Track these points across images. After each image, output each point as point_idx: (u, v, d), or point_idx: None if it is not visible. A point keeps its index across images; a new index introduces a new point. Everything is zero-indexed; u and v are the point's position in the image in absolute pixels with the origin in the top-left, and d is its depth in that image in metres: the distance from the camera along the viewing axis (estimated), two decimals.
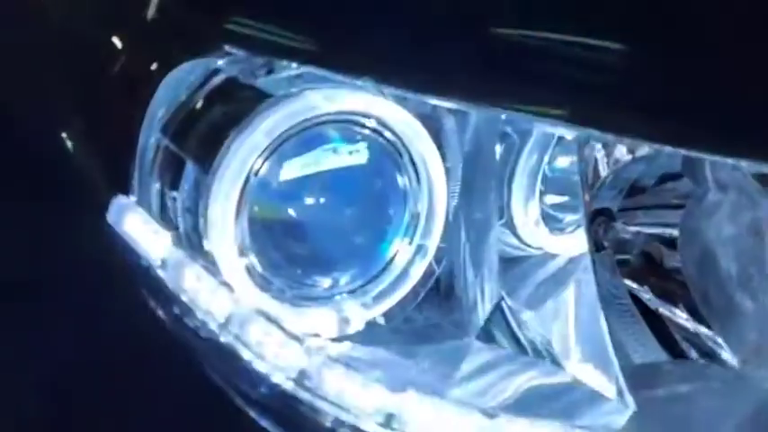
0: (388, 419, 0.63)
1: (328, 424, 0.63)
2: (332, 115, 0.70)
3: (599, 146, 0.78)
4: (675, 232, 0.85)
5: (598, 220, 0.87)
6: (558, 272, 0.86)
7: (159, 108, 0.72)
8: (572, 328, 0.80)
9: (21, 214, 0.78)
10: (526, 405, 0.72)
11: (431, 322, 0.87)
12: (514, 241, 0.88)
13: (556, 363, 0.78)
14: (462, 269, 0.86)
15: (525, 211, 0.85)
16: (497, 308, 0.84)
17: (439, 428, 0.63)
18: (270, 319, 0.66)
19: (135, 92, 0.72)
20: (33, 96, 0.80)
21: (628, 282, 0.85)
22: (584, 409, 0.73)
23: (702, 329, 0.82)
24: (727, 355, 0.81)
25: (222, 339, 0.66)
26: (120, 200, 0.71)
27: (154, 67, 0.72)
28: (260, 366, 0.65)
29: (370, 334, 0.81)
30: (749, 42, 0.69)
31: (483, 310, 0.84)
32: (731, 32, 0.68)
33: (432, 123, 0.79)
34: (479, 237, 0.85)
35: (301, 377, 0.64)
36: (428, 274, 0.85)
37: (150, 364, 0.69)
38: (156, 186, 0.73)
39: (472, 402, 0.70)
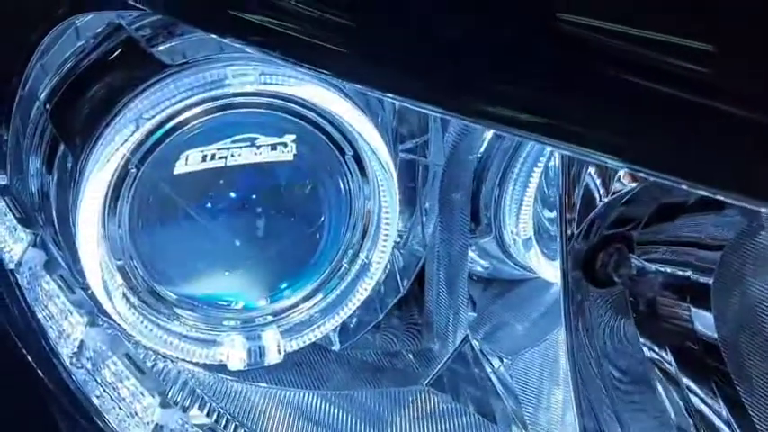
0: None
1: None
2: (248, 97, 0.59)
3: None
4: (704, 278, 0.71)
5: (610, 249, 0.73)
6: (550, 308, 0.74)
7: (48, 70, 0.62)
8: (550, 392, 0.68)
9: None
10: None
11: (389, 350, 0.76)
12: (503, 258, 0.76)
13: (519, 427, 0.66)
14: (434, 291, 0.74)
15: (516, 223, 0.73)
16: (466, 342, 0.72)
17: None
18: (130, 356, 0.55)
19: (17, 46, 0.62)
20: None
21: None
22: None
23: (722, 410, 0.69)
24: None
25: (73, 376, 0.55)
26: None
27: (41, 17, 0.61)
28: (113, 417, 0.54)
29: (315, 359, 0.71)
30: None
31: (453, 342, 0.72)
32: None
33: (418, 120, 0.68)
34: (457, 254, 0.73)
35: None
36: (392, 291, 0.74)
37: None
38: (37, 164, 0.63)
39: None
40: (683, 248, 0.73)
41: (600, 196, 0.64)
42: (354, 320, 0.74)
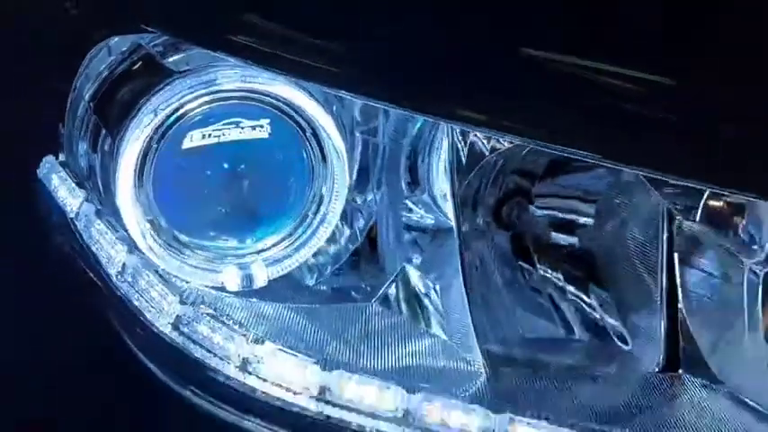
0: (244, 364, 0.77)
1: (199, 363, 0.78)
2: (233, 92, 0.84)
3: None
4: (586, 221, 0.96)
5: (512, 202, 0.98)
6: None
7: (90, 78, 0.87)
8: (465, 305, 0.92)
9: None
10: (401, 373, 0.84)
11: (352, 285, 1.00)
12: (438, 211, 1.00)
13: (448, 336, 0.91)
14: (385, 240, 0.99)
15: (440, 184, 0.97)
16: (405, 276, 0.97)
17: (284, 373, 0.76)
18: (157, 272, 0.81)
19: (68, 62, 0.87)
20: None
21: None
22: (460, 385, 0.84)
23: (594, 303, 0.93)
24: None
25: (120, 288, 0.81)
26: (48, 159, 0.87)
27: (84, 40, 0.87)
28: (147, 312, 0.79)
29: (296, 291, 0.95)
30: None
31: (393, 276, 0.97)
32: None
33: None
34: (399, 212, 0.98)
35: (177, 322, 0.78)
36: (353, 241, 0.98)
37: (62, 308, 0.84)
38: (84, 147, 0.88)
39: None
40: (568, 200, 0.97)
41: (486, 151, 0.88)
42: (324, 263, 0.98)
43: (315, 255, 0.94)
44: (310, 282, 0.97)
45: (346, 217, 0.95)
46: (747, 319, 0.81)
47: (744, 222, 0.79)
